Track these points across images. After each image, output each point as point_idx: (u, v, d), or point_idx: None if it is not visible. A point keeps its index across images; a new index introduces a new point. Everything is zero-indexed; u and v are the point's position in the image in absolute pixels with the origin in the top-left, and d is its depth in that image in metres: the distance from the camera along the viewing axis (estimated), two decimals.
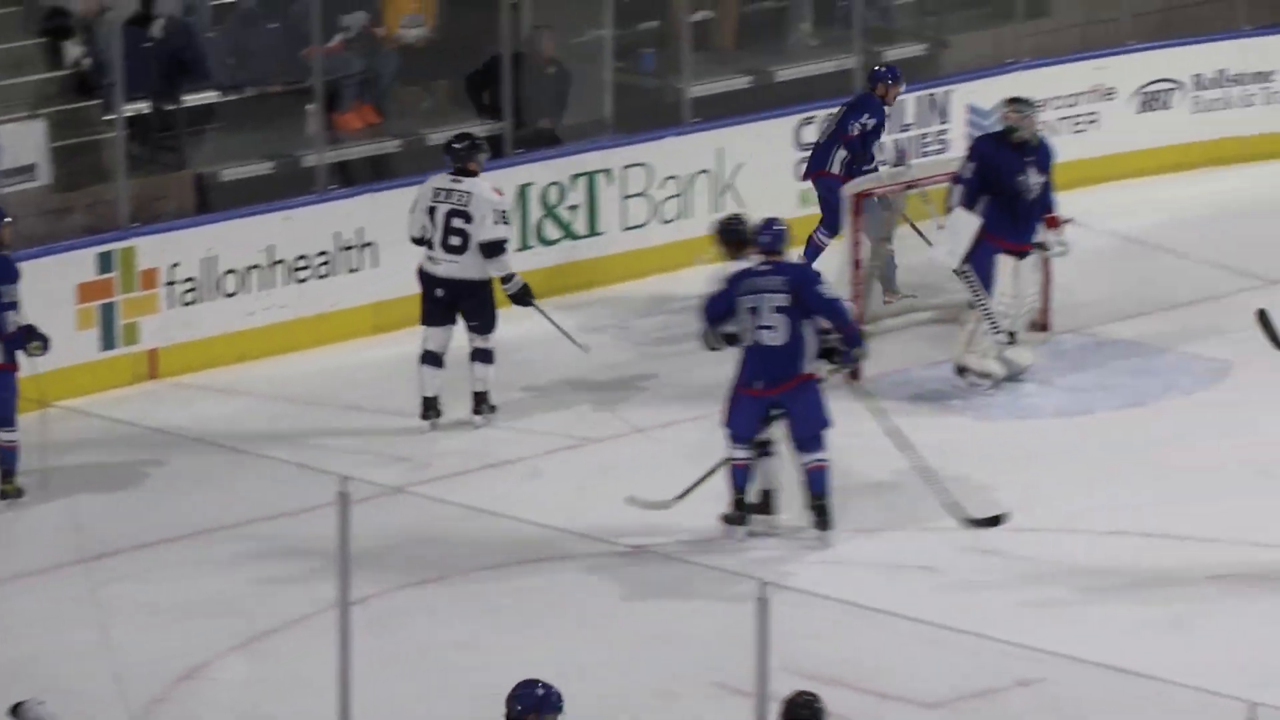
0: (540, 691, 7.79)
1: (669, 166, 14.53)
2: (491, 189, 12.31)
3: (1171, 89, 16.63)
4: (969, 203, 13.11)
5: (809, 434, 11.20)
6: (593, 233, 14.26)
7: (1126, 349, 13.52)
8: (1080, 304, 13.83)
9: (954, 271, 13.07)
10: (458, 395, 12.48)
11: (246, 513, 11.28)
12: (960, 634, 8.96)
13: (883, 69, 14.84)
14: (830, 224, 13.95)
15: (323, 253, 13.48)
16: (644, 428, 12.26)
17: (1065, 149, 14.78)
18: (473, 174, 12.31)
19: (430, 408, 12.09)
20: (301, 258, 13.37)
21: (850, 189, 13.42)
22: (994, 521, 10.95)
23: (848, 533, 11.19)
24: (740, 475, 11.56)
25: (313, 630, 9.73)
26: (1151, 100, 16.54)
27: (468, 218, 11.99)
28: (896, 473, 11.69)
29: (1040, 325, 13.48)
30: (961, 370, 13.04)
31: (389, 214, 13.17)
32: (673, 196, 14.58)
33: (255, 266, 13.30)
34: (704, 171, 14.67)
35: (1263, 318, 11.21)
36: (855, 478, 11.79)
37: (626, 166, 14.37)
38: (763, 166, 14.97)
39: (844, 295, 12.92)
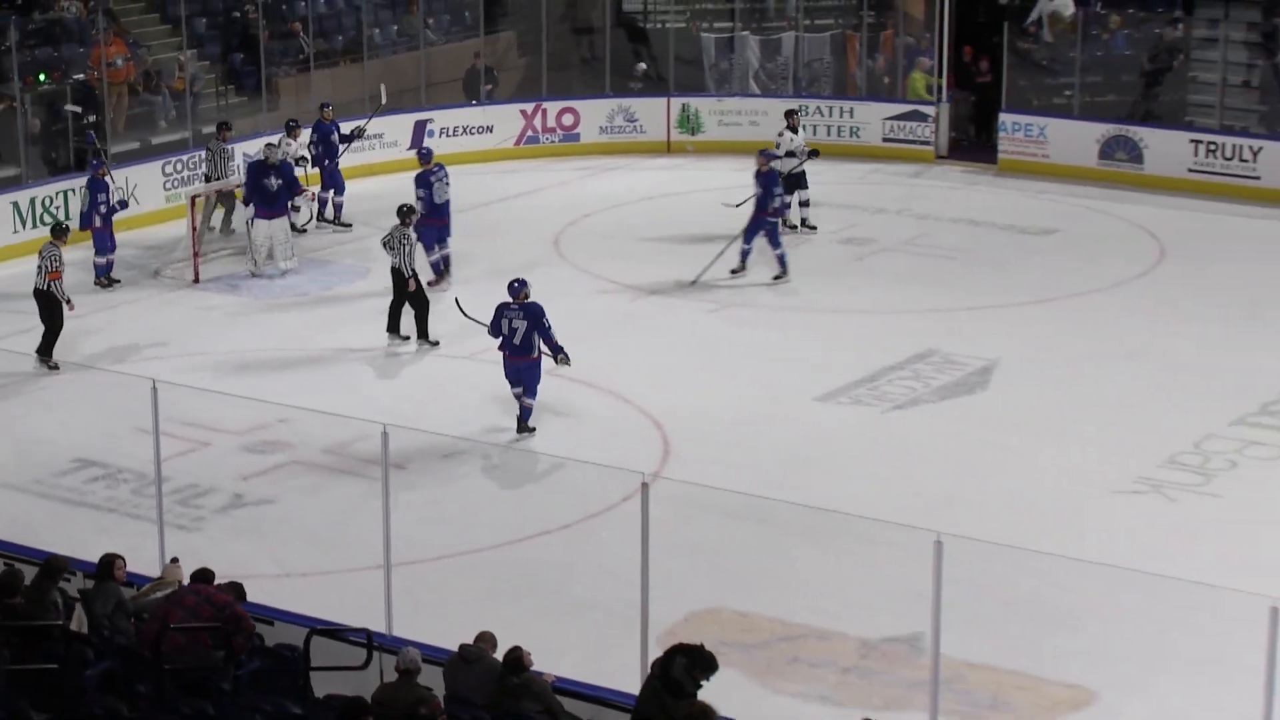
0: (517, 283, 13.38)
1: None
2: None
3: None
4: (248, 197, 19.64)
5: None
6: None
7: (319, 264, 20.10)
8: (318, 245, 20.21)
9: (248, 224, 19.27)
10: None
11: None
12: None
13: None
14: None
15: None
16: None
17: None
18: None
19: None
20: None
21: (189, 193, 20.01)
22: None
23: None
24: None
25: None
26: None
27: None
28: None
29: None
30: (254, 268, 19.50)
31: None
32: None
33: None
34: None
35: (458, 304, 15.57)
36: None
37: None
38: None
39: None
